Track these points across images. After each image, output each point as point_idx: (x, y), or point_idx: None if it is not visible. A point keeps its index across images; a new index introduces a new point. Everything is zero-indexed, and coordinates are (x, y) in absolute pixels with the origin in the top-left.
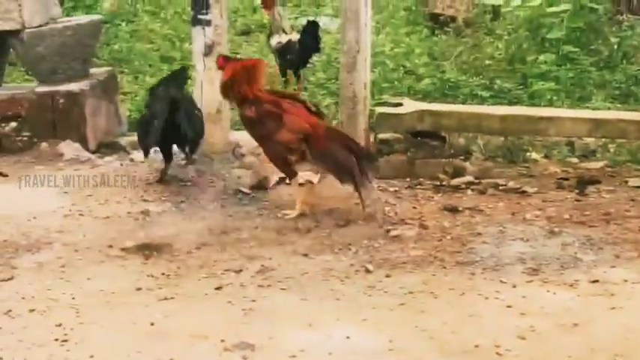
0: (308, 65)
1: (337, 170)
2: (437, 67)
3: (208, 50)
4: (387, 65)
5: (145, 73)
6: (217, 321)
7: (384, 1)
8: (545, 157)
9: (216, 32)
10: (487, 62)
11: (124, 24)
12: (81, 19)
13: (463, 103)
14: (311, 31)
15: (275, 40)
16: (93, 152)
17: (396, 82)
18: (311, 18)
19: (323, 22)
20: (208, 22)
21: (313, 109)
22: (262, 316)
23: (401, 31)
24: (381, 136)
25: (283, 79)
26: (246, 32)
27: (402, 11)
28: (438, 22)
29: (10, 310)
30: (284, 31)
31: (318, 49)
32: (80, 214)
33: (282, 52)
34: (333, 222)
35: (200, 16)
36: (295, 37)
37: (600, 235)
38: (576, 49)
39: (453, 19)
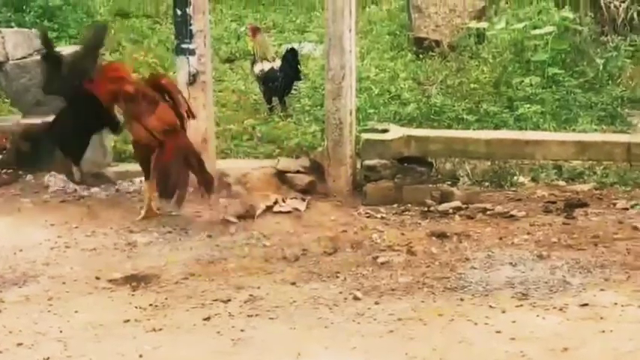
0: (292, 92)
1: (163, 187)
2: (422, 92)
3: (192, 79)
4: (373, 91)
5: None
6: (206, 351)
7: (368, 26)
8: (533, 180)
9: (200, 61)
10: (472, 86)
11: (107, 53)
12: (65, 49)
13: (449, 128)
14: (290, 59)
15: (257, 68)
16: (78, 183)
17: (381, 108)
18: (290, 45)
19: (307, 48)
20: (192, 52)
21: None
22: (251, 346)
23: (386, 56)
24: (368, 162)
25: (268, 106)
26: (230, 60)
27: (387, 36)
28: (422, 47)
29: None
30: (266, 59)
31: (298, 77)
32: (67, 247)
33: (264, 79)
34: (320, 250)
35: (183, 46)
36: (277, 64)
37: (589, 258)
38: (561, 71)
39: (438, 43)
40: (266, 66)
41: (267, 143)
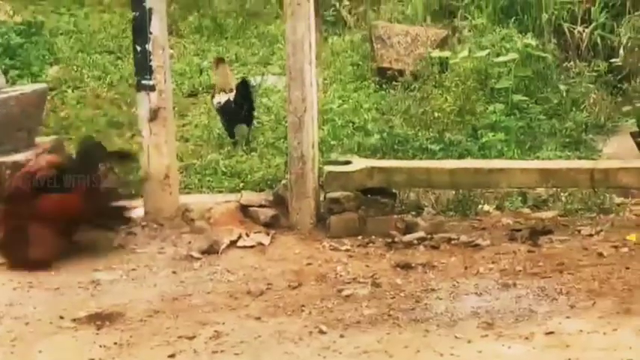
0: (255, 125)
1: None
2: (386, 122)
3: (153, 115)
4: (336, 122)
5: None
6: None
7: (332, 57)
8: (498, 208)
9: (161, 97)
10: (436, 115)
11: (70, 90)
12: (25, 88)
13: (413, 158)
14: (242, 91)
15: (215, 100)
16: None
17: (345, 139)
18: (243, 77)
19: (270, 80)
20: (152, 88)
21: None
22: None
23: (349, 86)
24: (331, 195)
25: (232, 140)
26: (193, 94)
27: (350, 67)
28: (385, 77)
29: None
30: (224, 90)
31: (251, 108)
32: (30, 286)
33: (222, 111)
34: (285, 284)
35: (144, 82)
36: (233, 95)
37: (554, 285)
38: (525, 98)
39: (401, 72)
40: (223, 98)
41: (230, 177)
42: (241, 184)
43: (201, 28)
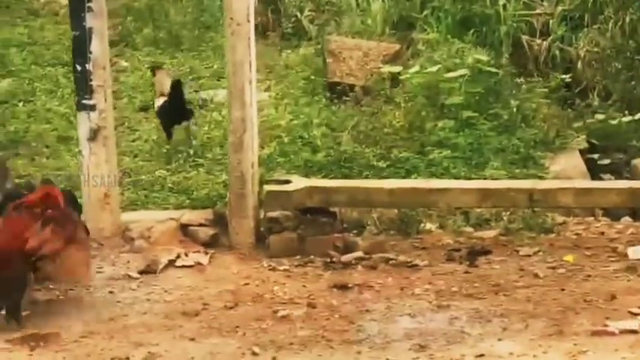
0: (193, 125)
1: None
2: (334, 139)
3: (93, 135)
4: (283, 139)
5: (42, 155)
6: None
7: (284, 71)
8: (440, 227)
9: (101, 117)
10: (385, 131)
11: (21, 104)
12: None
13: (359, 175)
14: (175, 91)
15: (155, 104)
16: None
17: (292, 156)
18: (176, 78)
19: (221, 95)
20: (93, 107)
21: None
22: None
23: (300, 101)
24: (270, 214)
25: (169, 140)
26: (145, 108)
27: (302, 81)
28: (336, 91)
29: None
30: (163, 94)
31: (184, 108)
32: None
33: (159, 113)
34: (221, 304)
35: (84, 101)
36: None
37: (489, 307)
38: (475, 114)
39: (352, 87)
40: (161, 100)
41: (177, 193)
42: (187, 201)
43: (156, 41)
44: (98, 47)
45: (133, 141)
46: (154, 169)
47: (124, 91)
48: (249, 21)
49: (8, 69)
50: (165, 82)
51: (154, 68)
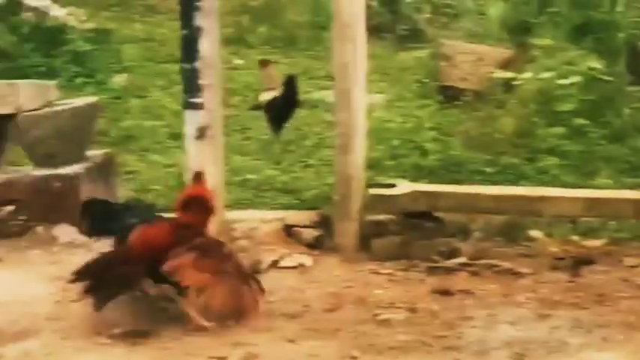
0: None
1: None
2: (444, 143)
3: (200, 134)
4: (394, 142)
5: (153, 151)
6: None
7: (398, 73)
8: (547, 235)
9: (209, 115)
10: (496, 136)
11: (134, 100)
12: (77, 101)
13: (468, 180)
14: (289, 85)
15: (262, 97)
16: (89, 236)
17: (402, 160)
18: (290, 73)
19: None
20: (200, 106)
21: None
22: None
23: (413, 104)
24: (375, 218)
25: (276, 134)
26: (258, 107)
27: (415, 84)
28: (449, 95)
29: None
30: (271, 88)
31: (296, 103)
32: (71, 301)
33: (267, 108)
34: (322, 306)
35: (192, 100)
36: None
37: (590, 317)
38: (587, 122)
39: (464, 91)
40: (270, 95)
41: (286, 194)
42: (295, 201)
43: (271, 39)
44: (207, 46)
45: (244, 140)
46: (264, 168)
47: (237, 90)
48: (357, 23)
49: (123, 64)
50: (274, 77)
51: (262, 62)
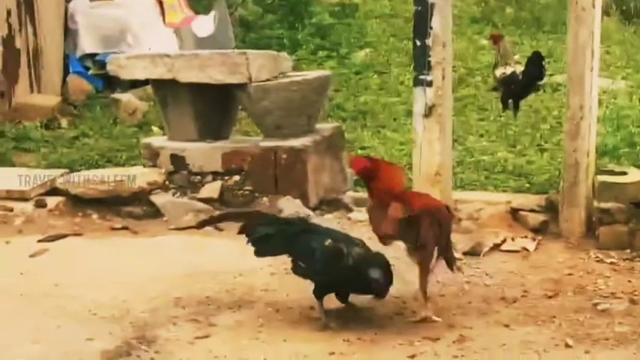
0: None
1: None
2: None
3: (428, 112)
4: (631, 129)
5: (388, 128)
6: None
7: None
8: None
9: (437, 94)
10: None
11: (375, 76)
12: (309, 74)
13: None
14: (536, 62)
15: (499, 72)
16: (313, 209)
17: (638, 147)
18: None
19: None
20: (429, 83)
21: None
22: None
23: None
24: (603, 205)
25: (503, 110)
26: (496, 88)
27: None
28: None
29: None
30: (508, 64)
31: (541, 78)
32: (287, 273)
33: (504, 82)
34: (541, 292)
35: (421, 77)
36: (519, 69)
37: None
38: None
39: None
40: (508, 70)
41: (517, 177)
42: (526, 185)
43: (517, 20)
44: (439, 23)
45: (481, 120)
46: (498, 149)
47: (479, 70)
48: (594, 7)
49: (367, 40)
50: (508, 51)
51: (494, 36)
